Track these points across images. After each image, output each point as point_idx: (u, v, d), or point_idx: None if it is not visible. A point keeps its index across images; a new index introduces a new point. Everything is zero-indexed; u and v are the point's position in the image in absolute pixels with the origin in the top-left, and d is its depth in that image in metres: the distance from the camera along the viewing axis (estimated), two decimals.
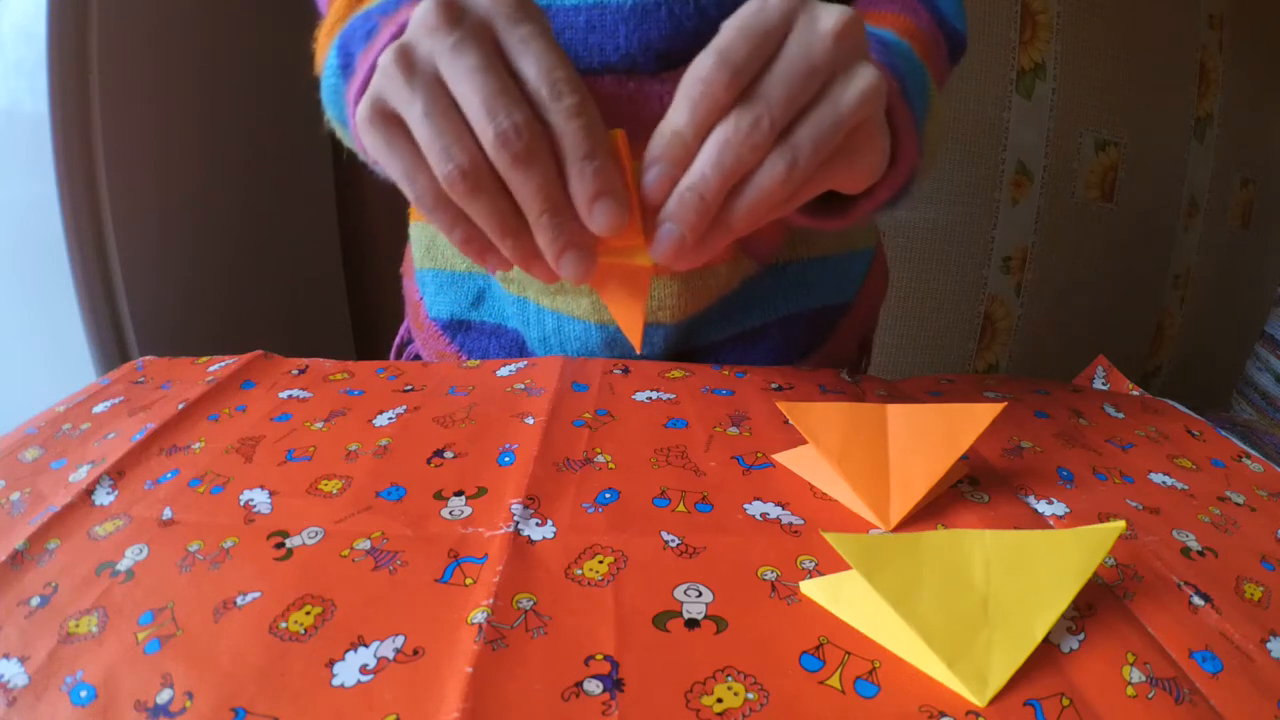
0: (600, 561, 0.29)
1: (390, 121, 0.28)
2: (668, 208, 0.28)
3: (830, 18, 0.28)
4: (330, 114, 0.42)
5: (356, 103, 0.32)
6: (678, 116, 0.28)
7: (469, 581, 0.28)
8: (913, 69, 0.38)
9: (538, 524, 0.31)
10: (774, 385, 0.45)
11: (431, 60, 0.28)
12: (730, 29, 0.28)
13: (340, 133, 0.42)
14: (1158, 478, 0.37)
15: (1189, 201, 1.53)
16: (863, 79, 0.29)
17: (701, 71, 0.27)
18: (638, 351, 0.41)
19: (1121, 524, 0.28)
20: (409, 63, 0.28)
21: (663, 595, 0.27)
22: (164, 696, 0.23)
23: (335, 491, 0.33)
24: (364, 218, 1.40)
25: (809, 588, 0.28)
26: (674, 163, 0.28)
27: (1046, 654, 0.25)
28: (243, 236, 1.10)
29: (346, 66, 0.37)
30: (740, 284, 0.50)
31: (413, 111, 0.27)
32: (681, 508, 0.32)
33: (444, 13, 0.27)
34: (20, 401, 0.54)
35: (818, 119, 0.28)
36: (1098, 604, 0.28)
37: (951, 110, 1.37)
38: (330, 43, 0.41)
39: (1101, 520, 0.33)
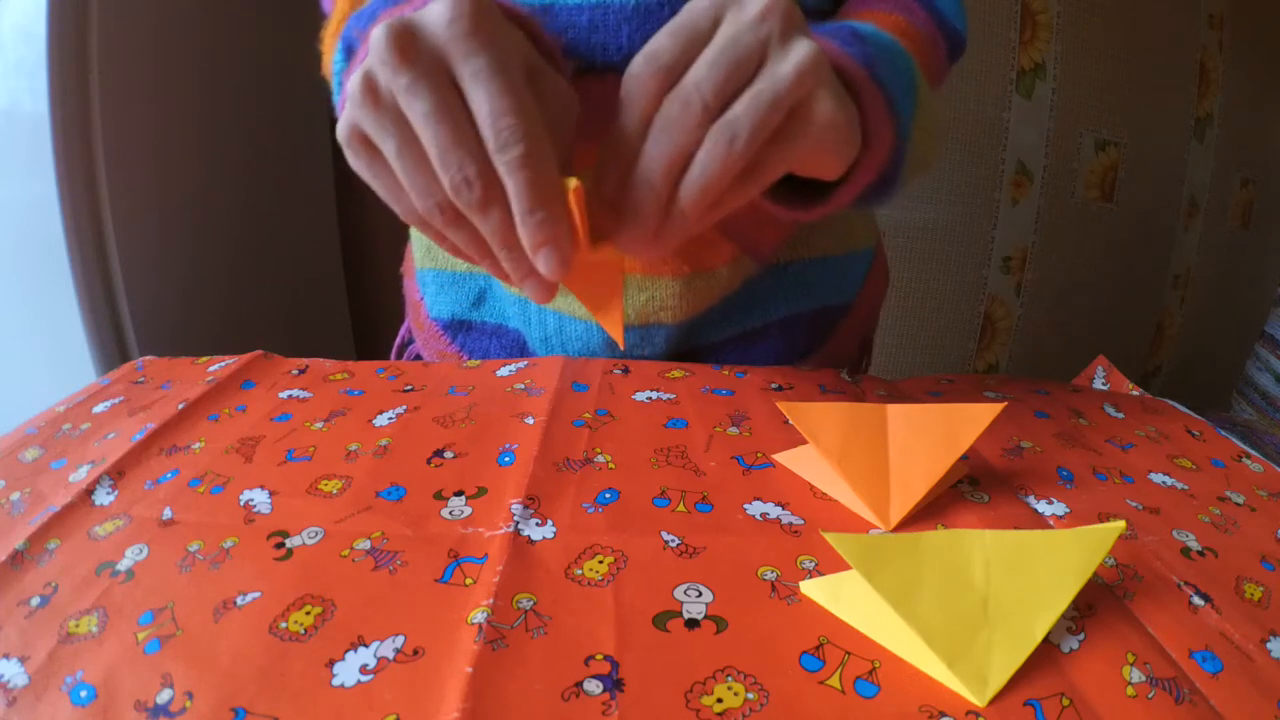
0: (600, 561, 0.29)
1: (367, 148, 0.30)
2: (624, 200, 0.29)
3: (757, 2, 0.29)
4: (336, 100, 0.42)
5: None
6: (620, 120, 0.30)
7: (469, 581, 0.28)
8: (891, 57, 0.38)
9: (538, 524, 0.31)
10: (774, 385, 0.45)
11: (391, 95, 0.28)
12: (659, 33, 0.30)
13: None
14: (1158, 478, 0.37)
15: (1189, 201, 1.53)
16: (798, 53, 0.29)
17: (633, 72, 0.29)
18: (621, 348, 0.42)
19: (1121, 524, 0.28)
20: (374, 95, 0.28)
21: (663, 595, 0.27)
22: (164, 696, 0.23)
23: (335, 491, 0.33)
24: (364, 218, 1.40)
25: (809, 588, 0.28)
26: (618, 162, 0.29)
27: (1046, 654, 0.25)
28: (243, 236, 1.10)
29: (350, 55, 0.38)
30: (741, 285, 0.50)
31: (386, 147, 0.29)
32: (681, 508, 0.32)
33: (397, 47, 0.27)
34: (20, 401, 0.54)
35: (752, 94, 0.29)
36: (1098, 604, 0.28)
37: (951, 110, 1.37)
38: (335, 43, 0.41)
39: (1101, 520, 0.33)
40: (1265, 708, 0.24)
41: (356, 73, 0.29)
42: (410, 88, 0.27)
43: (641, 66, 0.29)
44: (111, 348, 0.87)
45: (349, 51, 0.38)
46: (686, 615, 0.26)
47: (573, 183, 0.29)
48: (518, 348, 0.52)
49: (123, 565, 0.29)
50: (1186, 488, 0.37)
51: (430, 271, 0.54)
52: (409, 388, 0.44)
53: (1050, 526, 0.32)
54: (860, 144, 0.34)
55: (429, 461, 0.36)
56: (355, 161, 0.30)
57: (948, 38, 0.48)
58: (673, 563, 0.29)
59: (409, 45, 0.28)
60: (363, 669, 0.24)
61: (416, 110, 0.28)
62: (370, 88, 0.28)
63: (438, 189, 0.29)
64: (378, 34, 0.28)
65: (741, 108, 0.29)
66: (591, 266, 0.32)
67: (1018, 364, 1.56)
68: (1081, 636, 0.26)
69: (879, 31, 0.39)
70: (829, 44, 0.34)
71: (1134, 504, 0.35)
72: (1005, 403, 0.35)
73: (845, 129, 0.32)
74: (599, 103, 0.42)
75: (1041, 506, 0.34)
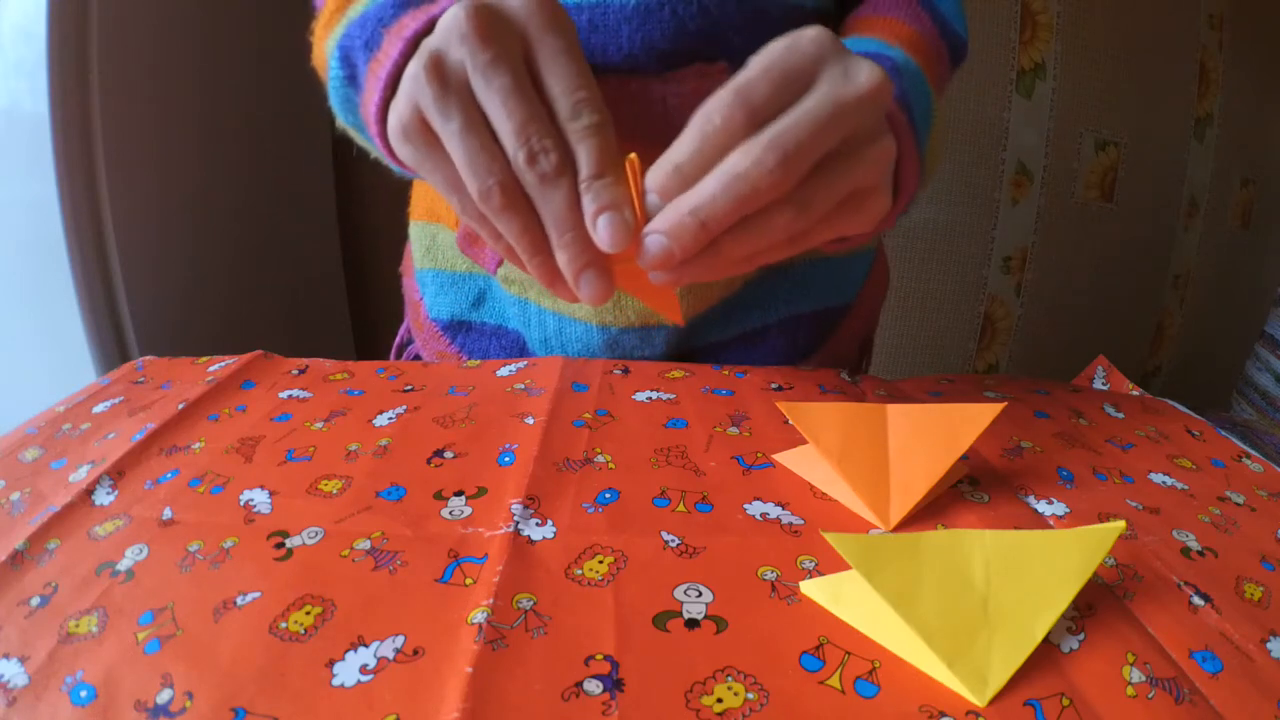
0: (600, 561, 0.29)
1: (426, 136, 0.29)
2: (664, 222, 0.28)
3: (864, 74, 0.28)
4: (341, 119, 0.41)
5: (379, 116, 0.32)
6: (682, 149, 0.28)
7: (469, 581, 0.28)
8: (918, 92, 0.38)
9: (538, 524, 0.31)
10: (774, 385, 0.45)
11: (463, 72, 0.28)
12: (755, 65, 0.28)
13: (357, 136, 0.41)
14: (1158, 478, 0.37)
15: (1189, 201, 1.53)
16: (881, 147, 0.30)
17: (716, 105, 0.27)
18: (681, 325, 0.41)
19: (1121, 524, 0.28)
20: (442, 75, 0.28)
21: (663, 595, 0.27)
22: (164, 696, 0.23)
23: (335, 491, 0.33)
24: (364, 218, 1.40)
25: (809, 588, 0.28)
26: (672, 183, 0.28)
27: (1046, 654, 0.25)
28: (243, 236, 1.10)
29: (352, 78, 0.37)
30: (742, 286, 0.50)
31: (449, 127, 0.28)
32: (681, 508, 0.32)
33: (478, 23, 0.28)
34: (20, 401, 0.54)
35: (832, 178, 0.29)
36: (1098, 604, 0.28)
37: (951, 110, 1.37)
38: (329, 40, 0.40)
39: (1101, 520, 0.33)
40: (1265, 708, 0.24)
41: (421, 56, 0.29)
42: (492, 63, 0.28)
43: (727, 101, 0.27)
44: (111, 348, 0.87)
45: (347, 61, 0.37)
46: (686, 615, 0.26)
47: (632, 157, 0.29)
48: (517, 349, 0.52)
49: (123, 565, 0.29)
50: (1186, 488, 0.37)
51: (430, 272, 0.54)
52: (409, 388, 0.44)
53: (1050, 526, 0.32)
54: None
55: (429, 461, 0.36)
56: (406, 149, 0.30)
57: (951, 44, 0.48)
58: (673, 563, 0.29)
59: (490, 22, 0.28)
60: (363, 669, 0.24)
61: (495, 85, 0.28)
62: (438, 69, 0.28)
63: (500, 167, 0.28)
64: (455, 13, 0.28)
65: (820, 185, 0.28)
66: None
67: (1018, 364, 1.56)
68: (1081, 636, 0.26)
69: (906, 58, 0.39)
70: (894, 108, 0.33)
71: (1134, 504, 0.35)
72: (1005, 403, 0.35)
73: (886, 206, 0.32)
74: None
75: (1041, 506, 0.34)
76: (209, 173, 1.02)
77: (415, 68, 0.29)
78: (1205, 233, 1.56)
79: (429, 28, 0.31)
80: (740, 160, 0.27)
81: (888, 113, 0.33)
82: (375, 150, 0.38)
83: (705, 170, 0.28)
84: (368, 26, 0.35)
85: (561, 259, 0.29)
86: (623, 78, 0.42)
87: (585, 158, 0.28)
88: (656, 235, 0.28)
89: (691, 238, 0.28)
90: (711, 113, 0.28)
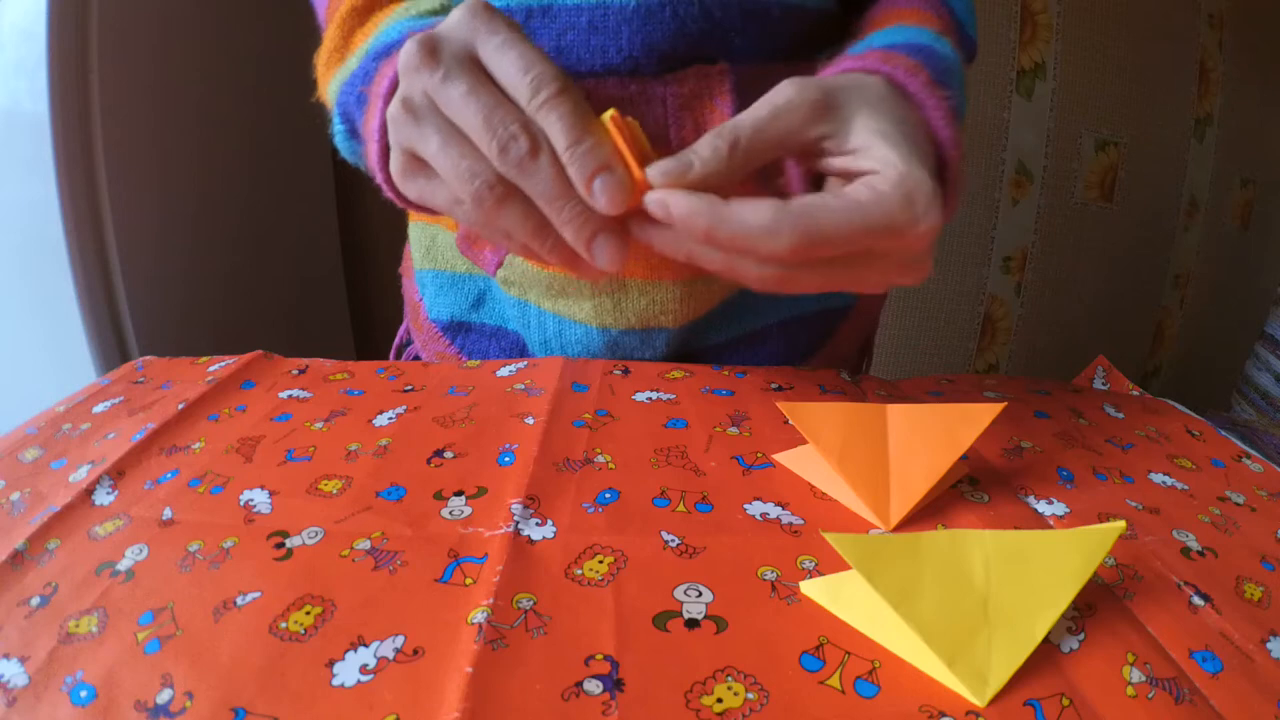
0: (600, 561, 0.29)
1: (419, 167, 0.31)
2: (677, 206, 0.29)
3: (928, 224, 0.29)
4: (352, 163, 0.43)
5: (384, 174, 0.34)
6: (748, 209, 0.28)
7: (469, 581, 0.28)
8: (959, 88, 0.39)
9: (538, 524, 0.31)
10: (774, 385, 0.45)
11: (426, 97, 0.30)
12: (857, 210, 0.28)
13: (367, 172, 0.43)
14: (1158, 478, 0.37)
15: (1189, 201, 1.53)
16: (910, 278, 0.32)
17: (792, 224, 0.28)
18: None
19: (1121, 524, 0.28)
20: (410, 107, 0.30)
21: (663, 595, 0.27)
22: (164, 696, 0.23)
23: (335, 491, 0.33)
24: (364, 218, 1.40)
25: (809, 588, 0.28)
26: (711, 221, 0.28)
27: (1046, 654, 0.25)
28: (243, 237, 1.10)
29: (353, 131, 0.39)
30: (741, 288, 0.50)
31: (429, 149, 0.30)
32: (681, 508, 0.32)
33: (424, 51, 0.29)
34: (20, 401, 0.54)
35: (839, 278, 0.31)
36: (1098, 604, 0.28)
37: None
38: (329, 87, 0.42)
39: (1101, 520, 0.33)
40: (1265, 708, 0.24)
41: (393, 102, 0.31)
42: (445, 78, 0.29)
43: (803, 220, 0.28)
44: (111, 348, 0.87)
45: (346, 117, 0.39)
46: (686, 615, 0.26)
47: (610, 113, 0.29)
48: (517, 350, 0.52)
49: (123, 565, 0.29)
50: (1186, 488, 0.37)
51: (429, 272, 0.54)
52: (409, 388, 0.44)
53: (1050, 526, 0.32)
54: None
55: (429, 461, 0.36)
56: (410, 186, 0.32)
57: (965, 46, 0.48)
58: (673, 563, 0.29)
59: (435, 47, 0.30)
60: (363, 669, 0.24)
61: (453, 94, 0.29)
62: (408, 105, 0.30)
63: (483, 167, 0.29)
64: (405, 50, 0.30)
65: (805, 281, 0.30)
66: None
67: (1018, 364, 1.56)
68: (1081, 636, 0.26)
69: (949, 52, 0.39)
70: (953, 128, 0.34)
71: (1134, 504, 0.35)
72: (1005, 403, 0.35)
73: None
74: (599, 105, 0.43)
75: (1041, 506, 0.34)
76: (209, 173, 1.02)
77: (392, 111, 0.31)
78: (1205, 233, 1.56)
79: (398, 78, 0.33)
80: (776, 250, 0.28)
81: (953, 142, 0.34)
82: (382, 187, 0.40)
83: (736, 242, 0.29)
84: (355, 84, 0.37)
85: (567, 234, 0.30)
86: (623, 79, 0.42)
87: (555, 130, 0.28)
88: (675, 207, 0.29)
89: (705, 261, 0.30)
90: (779, 230, 0.28)
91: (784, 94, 0.31)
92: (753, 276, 0.30)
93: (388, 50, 0.36)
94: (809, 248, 0.28)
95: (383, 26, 0.40)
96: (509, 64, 0.29)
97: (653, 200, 0.29)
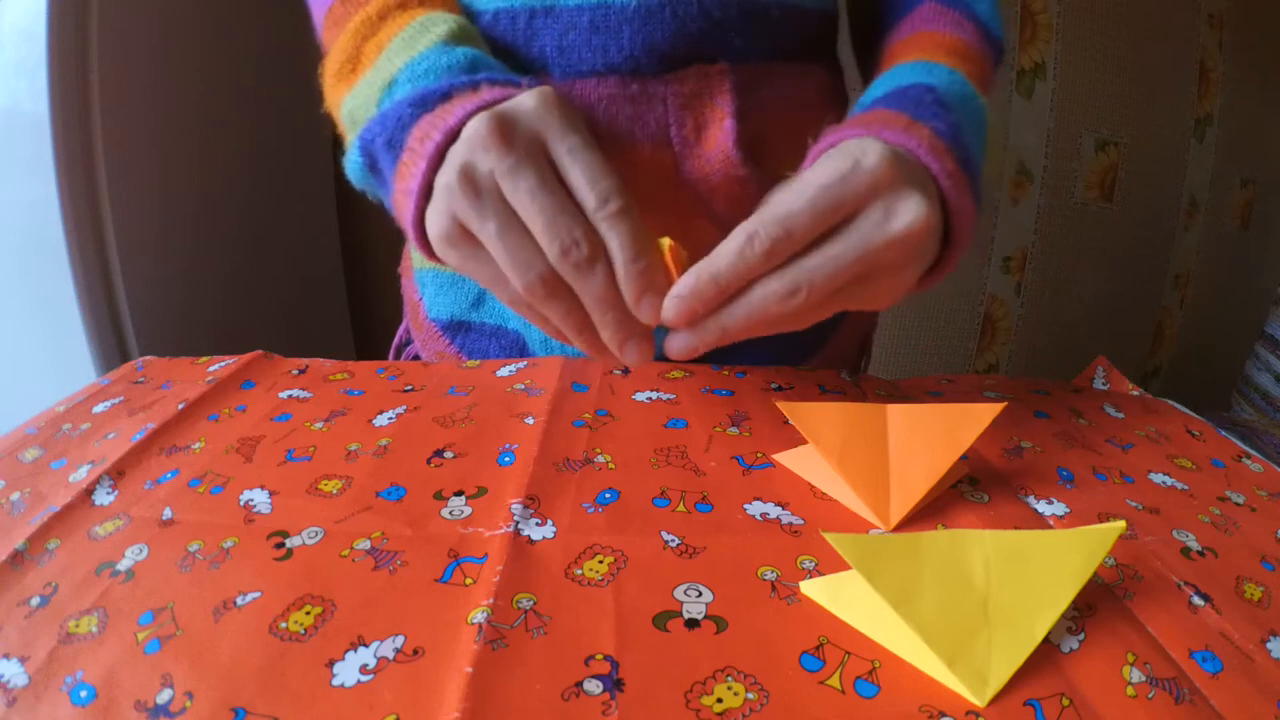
0: (600, 561, 0.29)
1: (468, 240, 0.32)
2: (696, 334, 0.32)
3: (902, 220, 0.31)
4: (356, 185, 0.42)
5: (417, 223, 0.35)
6: (723, 263, 0.31)
7: (469, 581, 0.28)
8: (973, 121, 0.40)
9: (538, 524, 0.31)
10: (774, 385, 0.45)
11: (493, 180, 0.31)
12: (804, 192, 0.31)
13: (374, 197, 0.42)
14: (1158, 478, 0.37)
15: (1189, 201, 1.53)
16: (901, 280, 0.33)
17: (761, 229, 0.30)
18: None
19: (1121, 524, 0.28)
20: (473, 184, 0.31)
21: (663, 595, 0.27)
22: (164, 696, 0.23)
23: (335, 491, 0.33)
24: (364, 218, 1.40)
25: (809, 588, 0.28)
26: (705, 302, 0.31)
27: (1046, 654, 0.25)
28: (243, 237, 1.10)
29: (373, 167, 0.38)
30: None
31: (487, 229, 0.31)
32: (681, 508, 0.32)
33: (499, 133, 0.31)
34: (20, 401, 0.54)
35: (847, 297, 0.32)
36: (1098, 604, 0.28)
37: None
38: (342, 109, 0.41)
39: (1101, 520, 0.33)
40: (1265, 708, 0.24)
41: (450, 168, 0.31)
42: (515, 167, 0.30)
43: (773, 229, 0.30)
44: (111, 348, 0.87)
45: (367, 152, 0.38)
46: (686, 615, 0.26)
47: (666, 241, 0.33)
48: (517, 349, 0.52)
49: (123, 565, 0.29)
50: (1186, 488, 0.37)
51: (429, 272, 0.54)
52: (409, 388, 0.44)
53: (1050, 526, 0.32)
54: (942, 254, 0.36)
55: (429, 461, 0.36)
56: (451, 254, 0.33)
57: (994, 48, 0.48)
58: (673, 563, 0.29)
59: (510, 130, 0.31)
60: (363, 669, 0.24)
61: (522, 187, 0.30)
62: (469, 179, 0.31)
63: (540, 261, 0.31)
64: (476, 125, 0.31)
65: (810, 313, 0.32)
66: None
67: (1018, 364, 1.56)
68: (1081, 636, 0.26)
69: (956, 82, 0.41)
70: (943, 160, 0.35)
71: (1134, 504, 0.35)
72: (1005, 403, 0.35)
73: (910, 282, 0.35)
74: (601, 105, 0.43)
75: (1041, 506, 0.34)
76: (209, 173, 1.02)
77: (447, 179, 0.31)
78: (1205, 233, 1.56)
79: (449, 139, 0.33)
80: (763, 291, 0.31)
81: (948, 172, 0.34)
82: (389, 206, 0.40)
83: (738, 283, 0.31)
84: (388, 126, 0.36)
85: (605, 334, 0.32)
86: (624, 78, 0.42)
87: (616, 244, 0.31)
88: (683, 337, 0.32)
89: (713, 340, 0.32)
90: (754, 235, 0.30)
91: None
92: (780, 310, 0.31)
93: (425, 99, 0.35)
94: (785, 234, 0.30)
95: (408, 50, 0.38)
96: (580, 169, 0.31)
97: (669, 310, 0.31)
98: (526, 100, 0.32)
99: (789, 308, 0.31)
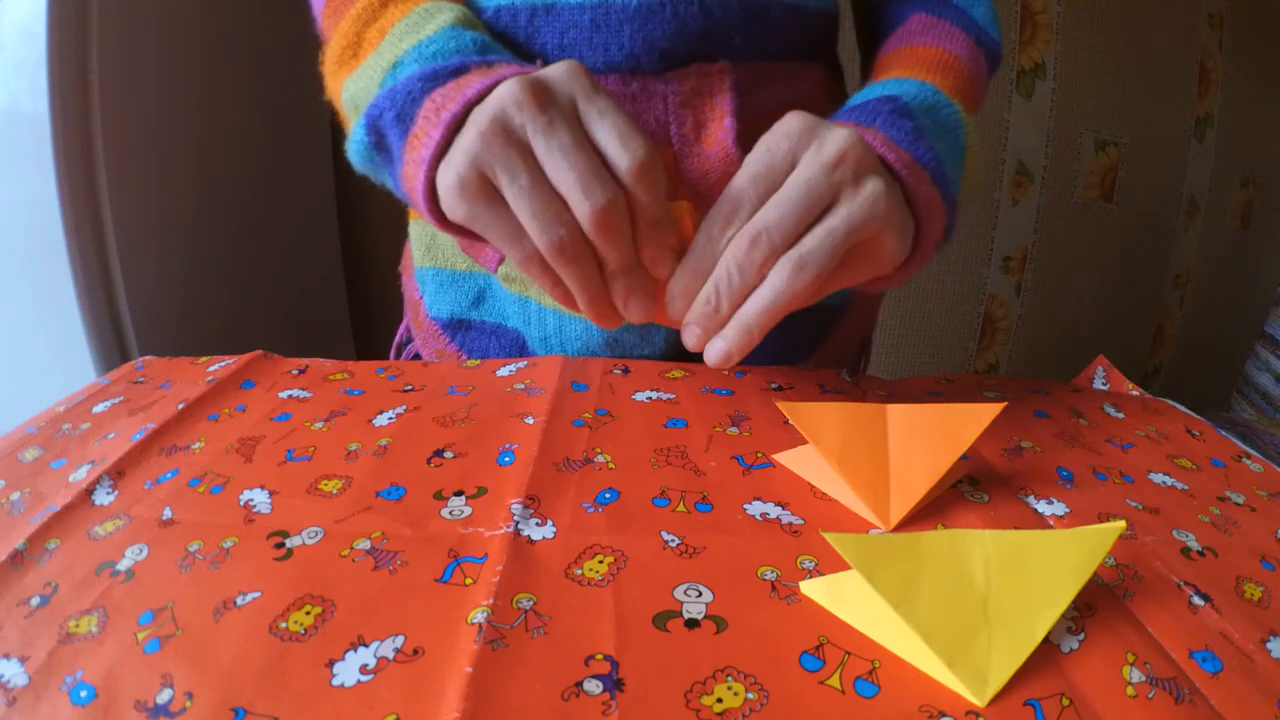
0: (600, 561, 0.29)
1: (488, 193, 0.32)
2: (690, 314, 0.34)
3: (831, 146, 0.33)
4: (359, 168, 0.41)
5: (427, 192, 0.34)
6: (697, 246, 0.33)
7: (469, 581, 0.28)
8: (945, 129, 0.40)
9: (538, 524, 0.31)
10: (774, 385, 0.45)
11: (525, 134, 0.31)
12: (743, 174, 0.33)
13: (378, 179, 0.42)
14: (1158, 478, 0.37)
15: (1189, 201, 1.53)
16: (868, 194, 0.33)
17: (716, 212, 0.33)
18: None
19: (1121, 524, 0.28)
20: (507, 135, 0.31)
21: (663, 595, 0.27)
22: (164, 696, 0.23)
23: (335, 491, 0.33)
24: (364, 218, 1.40)
25: (809, 588, 0.28)
26: (692, 280, 0.34)
27: (1046, 654, 0.25)
28: (243, 237, 1.10)
29: (379, 145, 0.38)
30: None
31: (517, 183, 0.31)
32: (681, 508, 0.32)
33: (533, 92, 0.31)
34: (20, 401, 0.54)
35: (825, 230, 0.32)
36: (1098, 604, 0.28)
37: None
38: (345, 92, 0.41)
39: (1101, 520, 0.33)
40: (1265, 708, 0.24)
41: (480, 120, 0.31)
42: (551, 124, 0.31)
43: (724, 210, 0.33)
44: (111, 348, 0.86)
45: (374, 129, 0.37)
46: (686, 615, 0.26)
47: (683, 204, 0.34)
48: (517, 347, 0.52)
49: (123, 565, 0.29)
50: (1186, 488, 0.37)
51: (430, 270, 0.54)
52: (409, 388, 0.44)
53: (1050, 526, 0.32)
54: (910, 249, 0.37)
55: (429, 461, 0.36)
56: (463, 206, 0.32)
57: (988, 54, 0.48)
58: (673, 563, 0.29)
59: (544, 90, 0.31)
60: (363, 669, 0.24)
61: (555, 145, 0.30)
62: (503, 129, 0.31)
63: (568, 220, 0.31)
64: (510, 85, 0.31)
65: (814, 242, 0.32)
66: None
67: (1018, 364, 1.56)
68: (1081, 636, 0.26)
69: (931, 93, 0.41)
70: (897, 152, 0.36)
71: (1134, 504, 0.35)
72: (1005, 403, 0.35)
73: (902, 255, 0.35)
74: None
75: (1041, 506, 0.34)
76: (209, 173, 1.02)
77: (480, 129, 0.31)
78: (1205, 233, 1.56)
79: (467, 109, 0.33)
80: (729, 251, 0.33)
81: (903, 161, 0.35)
82: (396, 189, 0.40)
83: (708, 261, 0.33)
84: (398, 100, 0.36)
85: (615, 286, 0.34)
86: (624, 76, 0.42)
87: (641, 203, 0.32)
88: (691, 327, 0.34)
89: (711, 322, 0.34)
90: (712, 216, 0.33)
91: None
92: (784, 281, 0.32)
93: (437, 75, 0.35)
94: (732, 206, 0.33)
95: (415, 34, 0.38)
96: (609, 125, 0.31)
97: (716, 349, 0.34)
98: (555, 68, 0.33)
99: (794, 289, 0.32)
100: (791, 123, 0.34)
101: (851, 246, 0.33)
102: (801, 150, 0.33)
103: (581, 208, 0.30)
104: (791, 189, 0.32)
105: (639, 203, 0.32)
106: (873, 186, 0.33)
